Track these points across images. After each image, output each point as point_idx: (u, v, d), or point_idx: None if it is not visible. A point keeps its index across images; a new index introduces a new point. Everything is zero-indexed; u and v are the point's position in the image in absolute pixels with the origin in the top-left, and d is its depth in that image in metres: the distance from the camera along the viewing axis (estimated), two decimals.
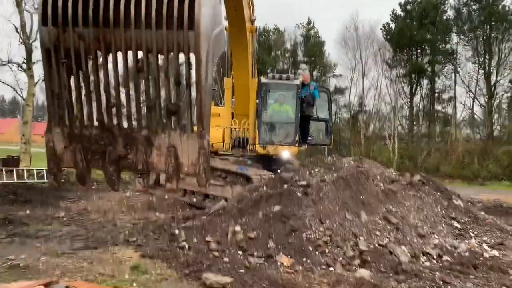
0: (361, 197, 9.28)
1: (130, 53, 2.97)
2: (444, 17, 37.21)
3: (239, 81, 12.73)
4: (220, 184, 11.18)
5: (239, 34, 11.45)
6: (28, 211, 10.16)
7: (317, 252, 7.45)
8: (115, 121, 3.05)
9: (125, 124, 3.09)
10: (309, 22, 49.65)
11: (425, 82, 38.13)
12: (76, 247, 6.97)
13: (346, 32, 43.08)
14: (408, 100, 38.76)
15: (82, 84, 3.00)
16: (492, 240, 9.22)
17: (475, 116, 38.07)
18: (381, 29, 40.19)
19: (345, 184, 9.35)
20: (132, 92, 3.03)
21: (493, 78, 34.64)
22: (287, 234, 7.84)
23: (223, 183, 11.15)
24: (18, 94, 22.15)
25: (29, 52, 18.93)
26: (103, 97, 3.03)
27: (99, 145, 3.01)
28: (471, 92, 36.75)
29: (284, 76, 14.31)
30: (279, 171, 10.51)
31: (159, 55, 2.94)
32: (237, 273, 6.07)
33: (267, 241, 7.73)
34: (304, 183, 9.26)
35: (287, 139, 13.43)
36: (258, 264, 7.01)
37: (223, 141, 13.58)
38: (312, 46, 47.85)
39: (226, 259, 7.08)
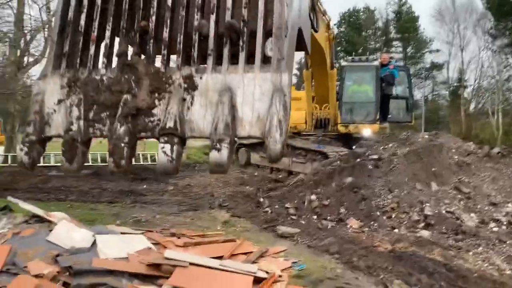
0: (433, 169, 9.79)
1: None
2: None
3: (318, 75, 13.37)
4: (301, 162, 12.40)
5: (315, 45, 11.06)
6: (145, 186, 12.45)
7: (384, 217, 8.31)
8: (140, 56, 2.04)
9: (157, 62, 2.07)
10: None
11: None
12: (181, 209, 8.74)
13: (442, 5, 40.85)
14: None
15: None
16: None
17: None
18: None
19: (416, 157, 9.93)
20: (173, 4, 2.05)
21: None
22: (357, 201, 8.80)
23: (303, 160, 12.34)
24: None
25: None
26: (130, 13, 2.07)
27: (111, 93, 1.94)
28: None
29: (364, 58, 14.96)
30: (354, 147, 11.37)
31: None
32: (305, 228, 7.25)
33: (339, 207, 8.76)
34: (375, 156, 10.06)
35: (367, 118, 14.15)
36: (330, 226, 8.11)
37: (306, 123, 14.67)
38: (405, 22, 46.06)
39: (302, 222, 8.30)
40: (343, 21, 49.94)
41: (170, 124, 1.88)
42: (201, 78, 1.94)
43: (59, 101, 2.04)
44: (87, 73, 2.05)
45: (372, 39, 50.06)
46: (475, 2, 39.29)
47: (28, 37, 15.00)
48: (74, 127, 1.99)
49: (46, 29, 14.62)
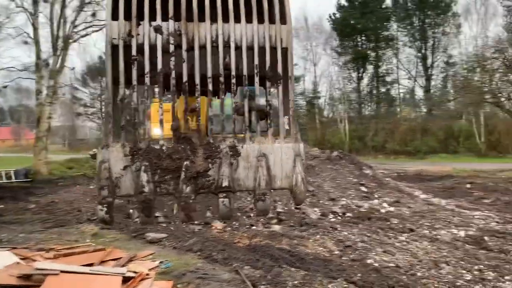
0: None
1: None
2: (384, 6, 40.10)
3: None
4: None
5: None
6: (1, 206, 11.62)
7: (244, 217, 9.42)
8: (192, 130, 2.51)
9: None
10: None
11: (370, 67, 41.00)
12: (46, 226, 8.61)
13: (297, 24, 45.28)
14: (356, 84, 41.59)
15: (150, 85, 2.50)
16: (391, 199, 11.48)
17: (416, 96, 41.53)
18: (327, 19, 42.68)
19: None
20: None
21: (429, 60, 37.94)
22: None
23: None
24: None
25: None
26: (181, 100, 2.54)
27: (172, 160, 2.42)
28: (411, 74, 40.12)
29: None
30: None
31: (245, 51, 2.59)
32: (172, 233, 7.90)
33: (206, 212, 9.61)
34: None
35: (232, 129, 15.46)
36: (196, 229, 8.87)
37: None
38: None
39: (171, 228, 8.91)
40: None
41: (225, 183, 2.52)
42: (242, 147, 2.61)
43: (125, 167, 2.46)
44: (147, 144, 2.50)
45: None
46: (324, 23, 44.47)
47: None
48: (146, 189, 2.43)
49: None
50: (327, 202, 10.57)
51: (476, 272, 6.10)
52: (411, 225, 8.94)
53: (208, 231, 8.75)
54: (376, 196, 11.59)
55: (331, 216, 9.98)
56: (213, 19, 2.65)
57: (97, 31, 20.58)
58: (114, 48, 2.56)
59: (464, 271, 6.15)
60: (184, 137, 2.60)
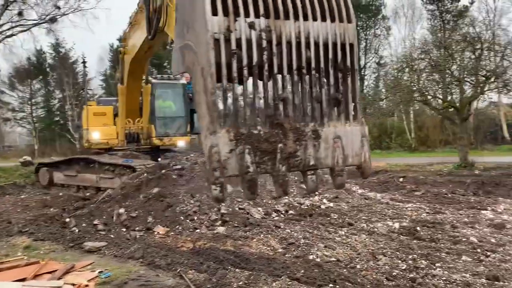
0: None
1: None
2: None
3: (133, 89, 13.87)
4: (109, 177, 12.51)
5: (141, 61, 12.55)
6: None
7: (187, 220, 9.27)
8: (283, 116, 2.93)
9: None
10: None
11: None
12: None
13: None
14: None
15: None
16: (331, 195, 11.87)
17: None
18: None
19: None
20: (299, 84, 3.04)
21: (362, 62, 39.73)
22: (163, 209, 9.55)
23: (111, 176, 12.48)
24: None
25: None
26: (271, 91, 2.99)
27: (269, 143, 2.80)
28: None
29: (172, 76, 16.08)
30: (159, 159, 12.17)
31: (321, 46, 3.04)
32: (113, 240, 7.62)
33: (147, 217, 9.36)
34: (179, 166, 11.06)
35: (179, 131, 15.33)
36: (138, 236, 8.62)
37: (117, 137, 14.80)
38: None
39: (111, 235, 8.58)
40: None
41: (312, 162, 2.90)
42: (322, 130, 2.98)
43: (231, 150, 2.70)
44: (248, 129, 2.79)
45: None
46: None
47: None
48: (251, 169, 2.70)
49: None
50: (270, 201, 10.70)
51: (410, 262, 6.49)
52: (350, 220, 9.32)
53: (150, 236, 8.54)
54: (316, 192, 11.92)
55: (274, 214, 10.11)
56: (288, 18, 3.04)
57: (24, 31, 19.42)
58: (217, 41, 2.80)
59: (399, 261, 6.52)
60: (277, 123, 2.89)
